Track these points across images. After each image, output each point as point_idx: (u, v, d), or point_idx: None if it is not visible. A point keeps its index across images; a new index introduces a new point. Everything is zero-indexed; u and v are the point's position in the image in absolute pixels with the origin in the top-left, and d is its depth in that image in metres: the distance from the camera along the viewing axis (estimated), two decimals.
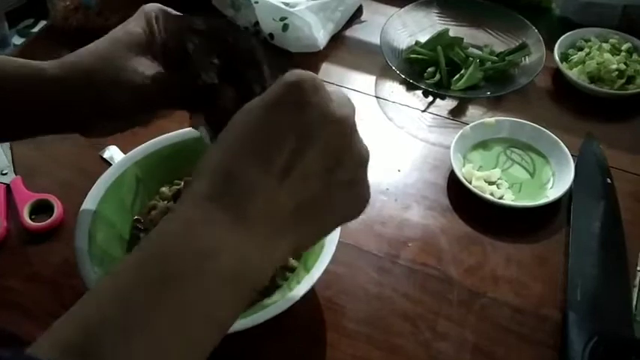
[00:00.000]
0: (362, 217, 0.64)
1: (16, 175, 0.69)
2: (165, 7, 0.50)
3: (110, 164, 0.68)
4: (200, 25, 0.46)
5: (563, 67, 0.80)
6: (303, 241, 0.37)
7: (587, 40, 0.83)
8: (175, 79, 0.48)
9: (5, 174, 0.69)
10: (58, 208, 0.64)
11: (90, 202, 0.57)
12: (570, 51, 0.83)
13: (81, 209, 0.56)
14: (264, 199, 0.34)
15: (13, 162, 0.70)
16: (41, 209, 0.65)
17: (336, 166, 0.36)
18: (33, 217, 0.65)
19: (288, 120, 0.35)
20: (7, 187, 0.67)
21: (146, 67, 0.48)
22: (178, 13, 0.51)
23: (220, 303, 0.33)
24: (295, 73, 0.35)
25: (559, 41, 0.82)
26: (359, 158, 0.37)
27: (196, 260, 0.32)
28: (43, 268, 0.61)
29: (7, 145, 0.72)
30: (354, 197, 0.39)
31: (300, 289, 0.51)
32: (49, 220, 0.63)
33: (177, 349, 0.31)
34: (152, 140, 0.62)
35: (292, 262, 0.56)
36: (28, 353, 0.28)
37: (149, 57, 0.48)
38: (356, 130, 0.37)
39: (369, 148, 0.39)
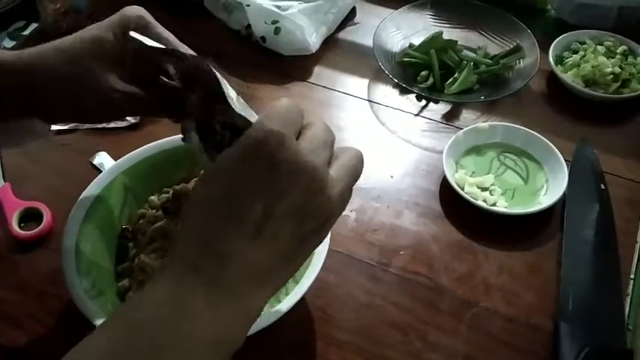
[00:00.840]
0: (353, 224, 0.65)
1: (5, 182, 0.68)
2: (146, 16, 0.50)
3: (100, 171, 0.67)
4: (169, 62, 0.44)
5: (558, 70, 0.79)
6: (277, 286, 0.38)
7: (582, 43, 0.83)
8: (142, 90, 0.48)
9: None
10: (47, 217, 0.64)
11: (78, 212, 0.56)
12: (565, 54, 0.82)
13: (69, 218, 0.55)
14: (239, 262, 0.35)
15: (2, 169, 0.70)
16: (30, 217, 0.65)
17: (306, 217, 0.36)
18: (22, 225, 0.64)
19: (256, 180, 0.35)
20: None
21: (112, 78, 0.48)
22: (157, 25, 0.50)
23: None
24: (261, 128, 0.35)
25: (554, 44, 0.82)
26: (326, 204, 0.37)
27: (177, 329, 0.33)
28: (31, 277, 0.60)
29: None
30: (321, 235, 0.39)
31: (288, 300, 0.50)
32: (37, 229, 0.63)
33: None
34: (140, 148, 0.61)
35: None
36: None
37: (116, 66, 0.48)
38: (324, 176, 0.37)
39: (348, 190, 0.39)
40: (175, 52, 0.45)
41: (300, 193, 0.36)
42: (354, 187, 0.38)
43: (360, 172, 0.41)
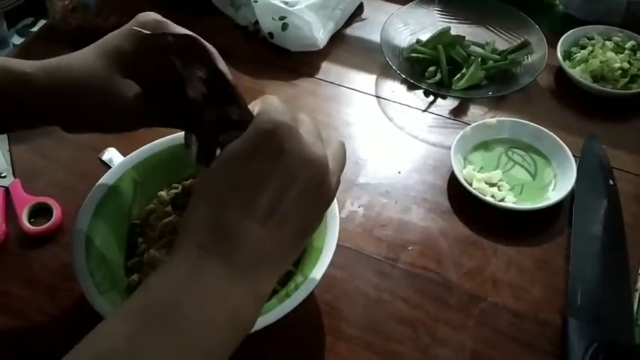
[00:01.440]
0: (361, 219, 0.65)
1: (15, 177, 0.68)
2: (160, 18, 0.50)
3: (109, 167, 0.68)
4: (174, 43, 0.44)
5: (566, 65, 0.79)
6: (283, 270, 0.42)
7: (590, 38, 0.82)
8: (160, 102, 0.49)
9: (4, 177, 0.68)
10: (56, 212, 0.64)
11: (88, 207, 0.56)
12: (573, 49, 0.82)
13: (79, 214, 0.56)
14: (252, 245, 0.37)
15: (12, 165, 0.70)
16: (40, 212, 0.65)
17: (313, 202, 0.39)
18: (32, 220, 0.65)
19: (267, 168, 0.38)
20: (6, 190, 0.67)
21: (133, 90, 0.48)
22: (175, 26, 0.50)
23: (218, 344, 0.35)
24: (269, 120, 0.38)
25: (562, 39, 0.81)
26: (331, 192, 0.41)
27: (195, 310, 0.35)
28: (42, 272, 0.61)
29: (6, 147, 0.72)
30: (321, 220, 0.42)
31: (298, 295, 0.51)
32: (47, 224, 0.63)
33: None
34: (150, 144, 0.62)
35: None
36: None
37: (137, 78, 0.49)
38: (329, 167, 0.40)
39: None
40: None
41: (307, 181, 0.38)
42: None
43: (345, 160, 0.44)
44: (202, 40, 0.43)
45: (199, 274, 0.36)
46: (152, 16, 0.49)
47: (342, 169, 0.44)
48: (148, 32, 0.46)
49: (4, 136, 0.73)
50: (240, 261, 0.37)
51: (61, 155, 0.72)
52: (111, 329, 0.34)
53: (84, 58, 0.48)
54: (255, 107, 0.41)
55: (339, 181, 0.43)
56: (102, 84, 0.47)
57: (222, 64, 0.45)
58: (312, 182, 0.39)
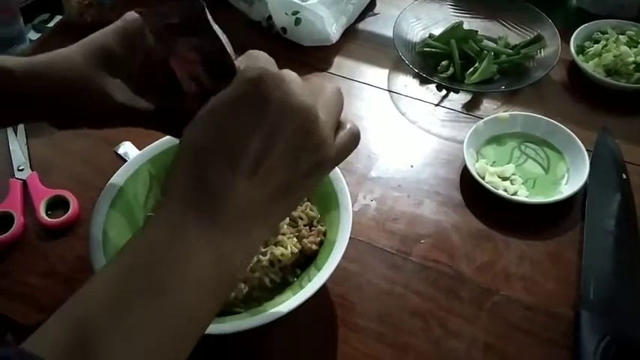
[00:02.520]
0: (374, 213, 0.66)
1: (32, 171, 0.70)
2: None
3: (125, 160, 0.68)
4: (174, 19, 0.43)
5: (579, 59, 0.79)
6: (276, 223, 0.40)
7: (603, 32, 0.82)
8: (145, 105, 0.49)
9: (22, 170, 0.70)
10: (73, 204, 0.65)
11: (104, 199, 0.57)
12: (587, 43, 0.82)
13: (95, 207, 0.57)
14: (236, 199, 0.36)
15: (29, 158, 0.71)
16: (57, 205, 0.66)
17: (301, 153, 0.37)
18: (49, 212, 0.66)
19: (252, 118, 0.36)
20: (24, 183, 0.68)
21: (118, 89, 0.48)
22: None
23: (202, 302, 0.35)
24: (255, 69, 0.36)
25: (575, 33, 0.81)
26: (323, 142, 0.38)
27: (181, 269, 0.34)
28: (59, 264, 0.62)
29: (23, 141, 0.73)
30: (317, 175, 0.40)
31: (310, 287, 0.51)
32: (64, 216, 0.64)
33: (162, 347, 0.33)
34: (165, 137, 0.62)
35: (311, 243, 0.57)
36: (28, 351, 0.29)
37: (124, 77, 0.48)
38: (317, 117, 0.38)
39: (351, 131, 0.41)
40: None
41: (294, 130, 0.37)
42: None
43: (341, 106, 0.42)
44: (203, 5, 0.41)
45: (180, 231, 0.35)
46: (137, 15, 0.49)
47: (337, 116, 0.41)
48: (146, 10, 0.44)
49: (22, 131, 0.74)
50: (225, 217, 0.35)
51: (77, 149, 0.73)
52: (92, 294, 0.33)
53: (68, 55, 0.48)
54: (241, 62, 0.40)
55: (337, 130, 0.41)
56: (85, 82, 0.47)
57: (223, 36, 0.43)
58: (299, 132, 0.37)
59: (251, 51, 0.40)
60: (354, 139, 0.42)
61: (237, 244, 0.36)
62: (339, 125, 0.41)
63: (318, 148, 0.38)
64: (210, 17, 0.41)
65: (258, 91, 0.36)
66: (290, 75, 0.39)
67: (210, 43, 0.41)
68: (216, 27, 0.41)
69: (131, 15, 0.49)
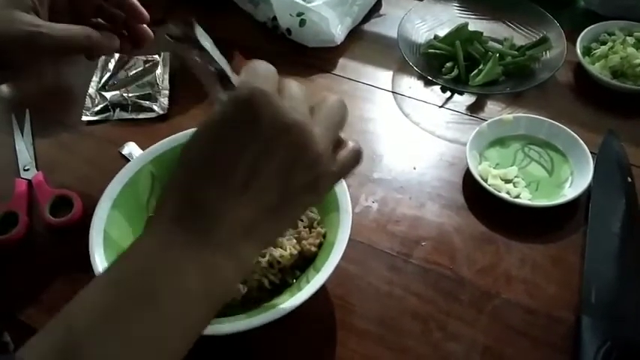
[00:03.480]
0: (375, 215, 0.66)
1: (37, 171, 0.70)
2: None
3: (129, 160, 0.69)
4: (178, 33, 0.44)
5: (585, 61, 0.78)
6: (269, 239, 0.40)
7: (610, 34, 0.81)
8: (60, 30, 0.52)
9: (27, 170, 0.70)
10: (77, 204, 0.66)
11: (106, 200, 0.58)
12: (593, 45, 0.81)
13: (97, 206, 0.57)
14: (227, 216, 0.36)
15: (35, 158, 0.72)
16: (61, 205, 0.67)
17: (294, 170, 0.37)
18: (53, 212, 0.66)
19: (242, 135, 0.36)
20: (29, 182, 0.69)
21: (27, 17, 0.51)
22: None
23: (192, 316, 0.35)
24: (247, 86, 0.36)
25: (582, 35, 0.81)
26: (319, 158, 0.38)
27: (169, 279, 0.34)
28: (63, 264, 0.62)
29: (29, 141, 0.74)
30: (315, 191, 0.39)
31: (309, 288, 0.51)
32: (68, 216, 0.65)
33: (150, 357, 0.33)
34: (167, 138, 0.63)
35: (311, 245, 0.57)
36: (19, 357, 0.30)
37: (32, 13, 0.52)
38: (311, 132, 0.37)
39: (347, 147, 0.41)
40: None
41: (286, 147, 0.36)
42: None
43: (343, 118, 0.41)
44: None
45: (169, 247, 0.35)
46: None
47: (338, 130, 0.40)
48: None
49: (29, 131, 0.75)
50: (215, 234, 0.36)
51: (82, 149, 0.73)
52: (81, 305, 0.34)
53: None
54: (241, 75, 0.40)
55: (338, 146, 0.40)
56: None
57: (215, 54, 0.44)
58: (292, 149, 0.37)
59: (251, 62, 0.39)
60: (356, 156, 0.41)
61: (226, 260, 0.36)
62: (340, 141, 0.41)
63: (314, 165, 0.38)
64: (200, 35, 0.42)
65: (246, 111, 0.36)
66: (290, 89, 0.39)
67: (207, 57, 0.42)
68: (207, 44, 0.42)
69: None
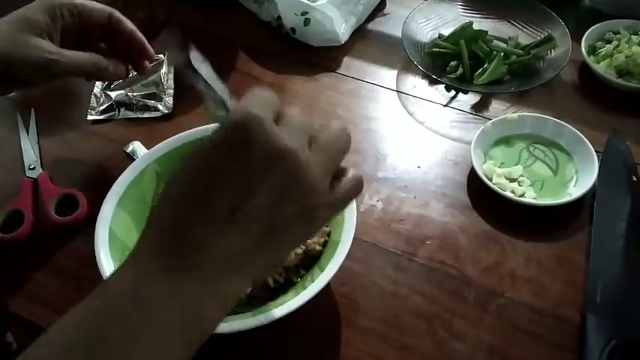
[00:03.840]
0: (380, 213, 0.66)
1: (43, 170, 0.70)
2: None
3: (133, 159, 0.69)
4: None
5: (590, 60, 0.78)
6: (259, 271, 0.37)
7: (616, 33, 0.81)
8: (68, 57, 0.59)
9: (33, 169, 0.71)
10: (82, 203, 0.66)
11: (111, 199, 0.58)
12: (598, 44, 0.81)
13: (102, 205, 0.57)
14: (211, 248, 0.34)
15: (40, 157, 0.72)
16: (66, 203, 0.67)
17: (286, 200, 0.36)
18: (59, 211, 0.66)
19: (232, 163, 0.35)
20: (35, 181, 0.69)
21: (44, 44, 0.58)
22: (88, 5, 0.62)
23: (171, 350, 0.34)
24: (240, 112, 0.35)
25: (587, 33, 0.80)
26: (313, 187, 0.36)
27: (147, 312, 0.33)
28: (68, 262, 0.63)
29: (35, 140, 0.74)
30: (310, 222, 0.38)
31: (314, 287, 0.51)
32: (73, 215, 0.65)
33: None
34: (172, 137, 0.63)
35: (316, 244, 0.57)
36: None
37: (47, 38, 0.58)
38: (304, 160, 0.36)
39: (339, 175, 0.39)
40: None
41: (278, 175, 0.35)
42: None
43: (344, 147, 0.40)
44: None
45: (149, 284, 0.34)
46: None
47: (337, 159, 0.39)
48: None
49: (34, 130, 0.75)
50: (197, 266, 0.34)
51: (87, 148, 0.74)
52: (53, 340, 0.33)
53: None
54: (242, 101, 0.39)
55: (338, 175, 0.39)
56: (13, 43, 0.57)
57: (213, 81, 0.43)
58: (284, 177, 0.35)
59: (253, 89, 0.38)
60: (357, 186, 0.40)
61: (208, 294, 0.35)
62: (340, 171, 0.40)
63: (307, 194, 0.36)
64: (196, 61, 0.42)
65: (238, 138, 0.34)
66: (289, 116, 0.37)
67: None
68: (203, 69, 0.42)
69: None
